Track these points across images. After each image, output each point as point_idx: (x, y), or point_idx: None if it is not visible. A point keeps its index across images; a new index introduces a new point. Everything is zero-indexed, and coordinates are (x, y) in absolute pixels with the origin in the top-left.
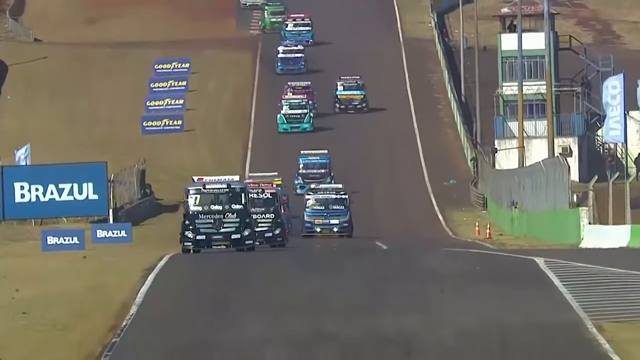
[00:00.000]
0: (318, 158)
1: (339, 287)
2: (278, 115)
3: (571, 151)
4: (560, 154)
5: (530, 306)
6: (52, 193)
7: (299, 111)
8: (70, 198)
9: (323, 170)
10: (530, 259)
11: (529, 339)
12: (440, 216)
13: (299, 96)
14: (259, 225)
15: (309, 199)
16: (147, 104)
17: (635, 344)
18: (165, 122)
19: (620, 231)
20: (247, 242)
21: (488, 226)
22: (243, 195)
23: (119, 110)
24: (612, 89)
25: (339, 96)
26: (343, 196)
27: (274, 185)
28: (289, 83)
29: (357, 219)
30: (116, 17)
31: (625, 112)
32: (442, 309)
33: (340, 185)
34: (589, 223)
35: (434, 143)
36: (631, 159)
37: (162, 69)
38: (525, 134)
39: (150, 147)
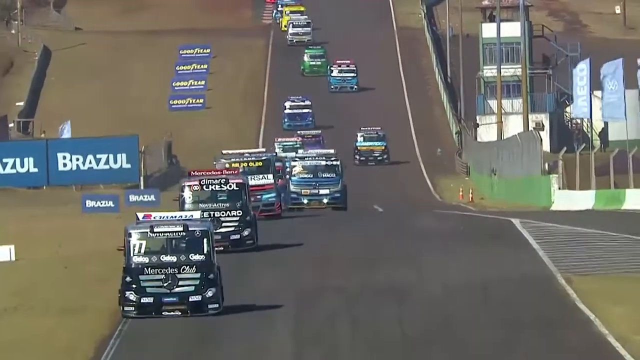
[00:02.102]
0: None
1: (343, 244)
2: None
3: (543, 126)
4: (533, 128)
5: (508, 261)
6: (90, 162)
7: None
8: (106, 167)
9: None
10: (508, 220)
11: (507, 290)
12: (429, 183)
13: (293, 139)
14: (223, 225)
15: (295, 166)
16: (173, 84)
17: (599, 294)
18: (188, 101)
19: (586, 196)
20: (210, 306)
21: (471, 191)
22: (206, 240)
23: (148, 90)
24: (580, 71)
25: (359, 147)
26: (334, 162)
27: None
28: (298, 132)
29: (355, 186)
30: (146, 8)
31: (591, 92)
32: (430, 264)
33: (331, 151)
34: (559, 188)
35: (423, 119)
36: (596, 133)
37: (186, 54)
38: (503, 111)
39: (175, 122)
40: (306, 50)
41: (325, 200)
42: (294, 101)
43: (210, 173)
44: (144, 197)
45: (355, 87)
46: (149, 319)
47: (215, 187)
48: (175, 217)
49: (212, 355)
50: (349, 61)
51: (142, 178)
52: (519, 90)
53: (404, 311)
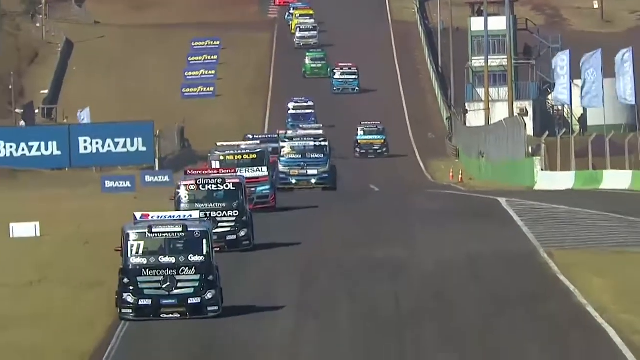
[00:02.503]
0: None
1: (342, 221)
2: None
3: (527, 112)
4: (518, 114)
5: (494, 237)
6: (109, 146)
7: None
8: (124, 150)
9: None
10: (494, 199)
11: (493, 264)
12: (422, 164)
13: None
14: (219, 225)
15: (284, 146)
16: (186, 74)
17: (578, 267)
18: (200, 89)
19: (566, 176)
20: (210, 308)
21: (460, 172)
22: (205, 241)
23: (162, 80)
24: (561, 62)
25: (359, 141)
26: (323, 143)
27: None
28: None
29: (353, 168)
30: (160, 4)
31: (571, 81)
32: (423, 240)
33: (320, 131)
34: (542, 170)
35: (417, 106)
36: (575, 118)
37: (198, 45)
38: (490, 98)
39: (188, 109)
40: (307, 54)
41: (313, 181)
42: (297, 102)
43: (207, 172)
44: (158, 178)
45: (357, 88)
46: None
47: (211, 187)
48: (174, 217)
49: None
50: (350, 64)
51: (157, 160)
52: (504, 79)
53: (399, 286)
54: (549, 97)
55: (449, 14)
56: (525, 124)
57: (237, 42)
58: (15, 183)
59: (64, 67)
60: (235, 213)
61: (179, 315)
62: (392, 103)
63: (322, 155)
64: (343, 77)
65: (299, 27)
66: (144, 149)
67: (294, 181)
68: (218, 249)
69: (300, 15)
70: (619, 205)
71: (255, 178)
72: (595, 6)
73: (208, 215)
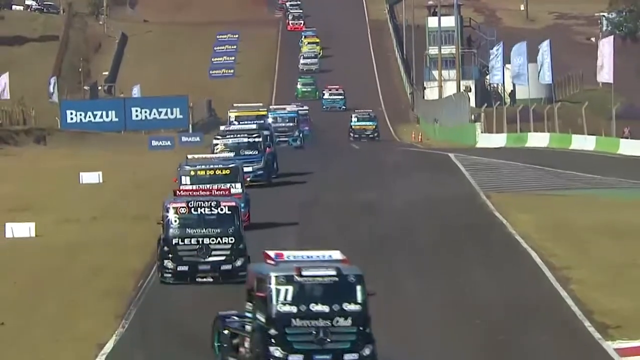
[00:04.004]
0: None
1: (329, 172)
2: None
3: (470, 89)
4: (463, 90)
5: (446, 183)
6: (154, 114)
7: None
8: (166, 117)
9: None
10: (445, 154)
11: (445, 203)
12: (391, 128)
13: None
14: (213, 254)
15: (216, 144)
16: (212, 59)
17: (509, 205)
18: (223, 71)
19: (500, 137)
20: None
21: (420, 134)
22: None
23: (195, 64)
24: (496, 50)
25: (353, 126)
26: (256, 139)
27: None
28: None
29: (338, 132)
30: (193, 6)
31: (503, 65)
32: (394, 186)
33: (253, 126)
34: (481, 132)
35: (387, 84)
36: (507, 93)
37: (222, 38)
38: (442, 78)
39: (214, 86)
40: (299, 79)
41: (248, 178)
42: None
43: (199, 193)
44: (191, 138)
45: (344, 107)
46: None
47: (204, 210)
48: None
49: None
50: (337, 86)
51: (190, 125)
52: (453, 64)
53: (373, 219)
54: (487, 77)
55: (411, 14)
56: (469, 98)
57: (251, 35)
58: (84, 142)
59: (120, 55)
60: (231, 240)
61: (212, 280)
62: (368, 81)
63: (257, 152)
64: (331, 97)
65: (303, 55)
66: (181, 116)
67: None
68: (211, 280)
69: (309, 43)
70: (540, 159)
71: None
72: (522, 8)
73: (200, 242)
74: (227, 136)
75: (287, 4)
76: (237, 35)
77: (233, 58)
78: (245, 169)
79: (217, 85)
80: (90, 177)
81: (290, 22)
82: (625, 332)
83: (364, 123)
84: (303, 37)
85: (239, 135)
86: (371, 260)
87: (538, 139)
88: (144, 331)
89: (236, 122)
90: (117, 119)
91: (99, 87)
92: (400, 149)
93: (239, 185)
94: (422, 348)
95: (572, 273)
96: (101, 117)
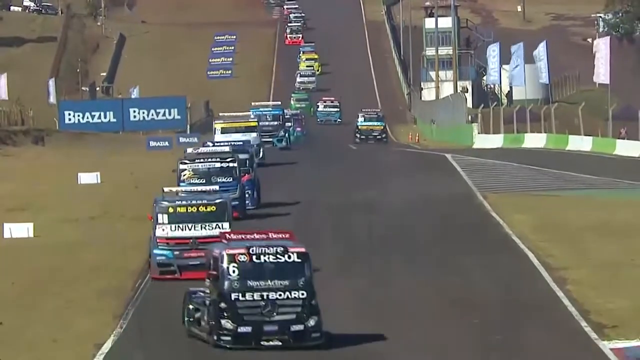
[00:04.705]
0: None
1: (328, 173)
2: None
3: (467, 89)
4: (460, 91)
5: (443, 183)
6: (152, 114)
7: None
8: (164, 118)
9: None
10: (442, 155)
11: (442, 203)
12: (388, 129)
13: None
14: (280, 311)
15: (183, 169)
16: (210, 60)
17: (505, 206)
18: (221, 72)
19: (497, 138)
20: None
21: (417, 135)
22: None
23: (192, 65)
24: (492, 52)
25: (359, 127)
26: (230, 164)
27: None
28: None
29: (336, 132)
30: (191, 7)
31: (500, 66)
32: (390, 187)
33: (226, 149)
34: (478, 133)
35: (384, 85)
36: (503, 94)
37: (219, 39)
38: (439, 79)
39: (211, 87)
40: (293, 95)
41: None
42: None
43: (253, 236)
44: (189, 139)
45: (339, 120)
46: None
47: (269, 258)
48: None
49: None
50: (333, 98)
51: (188, 125)
52: (450, 64)
53: (372, 218)
54: (484, 78)
55: (408, 15)
56: (466, 99)
57: (249, 36)
58: (82, 143)
59: (118, 56)
60: (302, 294)
61: (280, 343)
62: (366, 82)
63: (231, 179)
64: (326, 109)
65: (300, 72)
66: (179, 117)
67: None
68: (279, 343)
69: (307, 59)
70: (537, 159)
71: (212, 238)
72: (519, 9)
73: (265, 297)
74: (197, 160)
75: (291, 15)
76: (234, 36)
77: (231, 59)
78: None
79: (215, 86)
80: (88, 177)
81: (288, 35)
82: (622, 332)
83: (371, 123)
84: (301, 52)
85: (210, 160)
86: (368, 260)
87: (535, 140)
88: (142, 330)
89: (219, 135)
90: (115, 120)
91: (97, 88)
92: (397, 150)
93: (226, 224)
94: (418, 347)
95: (569, 273)
96: (99, 117)
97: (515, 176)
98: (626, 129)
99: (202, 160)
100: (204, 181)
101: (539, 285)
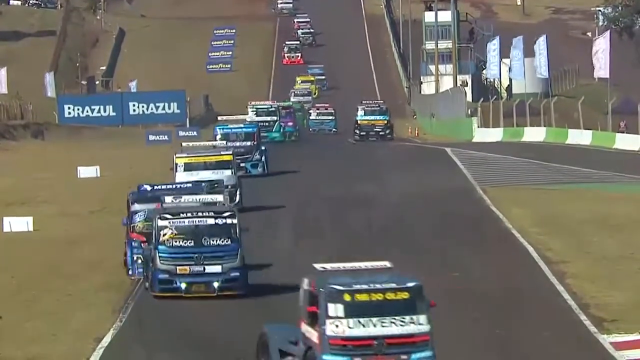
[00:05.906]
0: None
1: (327, 166)
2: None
3: (467, 83)
4: (460, 84)
5: (442, 177)
6: (151, 108)
7: (268, 118)
8: (163, 112)
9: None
10: (442, 149)
11: (442, 198)
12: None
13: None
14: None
15: (163, 227)
16: (209, 54)
17: (505, 200)
18: (220, 66)
19: (496, 131)
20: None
21: (417, 129)
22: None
23: (192, 59)
24: (492, 45)
25: (359, 122)
26: (228, 220)
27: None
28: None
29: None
30: (192, 0)
31: (500, 60)
32: (391, 179)
33: (219, 198)
34: (478, 127)
35: (384, 78)
36: (503, 88)
37: (219, 33)
38: (439, 73)
39: (211, 80)
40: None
41: (216, 284)
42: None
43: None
44: (188, 133)
45: (334, 129)
46: None
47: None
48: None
49: None
50: (327, 105)
51: (187, 119)
52: (450, 58)
53: (371, 212)
54: (484, 72)
55: (408, 9)
56: (466, 93)
57: (248, 31)
58: (81, 137)
59: (117, 50)
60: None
61: None
62: (365, 75)
63: (229, 241)
64: (319, 117)
65: (294, 92)
66: (178, 111)
67: (183, 285)
68: None
69: (302, 82)
70: (536, 153)
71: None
72: (518, 3)
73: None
74: (181, 215)
75: (299, 31)
76: (234, 30)
77: (230, 53)
78: (210, 269)
79: (215, 80)
80: (88, 171)
81: (286, 55)
82: (622, 325)
83: (372, 117)
84: (297, 78)
85: (199, 214)
86: (368, 252)
87: (534, 134)
88: (141, 325)
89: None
90: (114, 114)
91: (96, 82)
92: (397, 144)
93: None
94: None
95: (568, 267)
96: (99, 111)
97: (514, 170)
98: (626, 122)
99: (188, 214)
100: (193, 243)
101: (538, 279)
